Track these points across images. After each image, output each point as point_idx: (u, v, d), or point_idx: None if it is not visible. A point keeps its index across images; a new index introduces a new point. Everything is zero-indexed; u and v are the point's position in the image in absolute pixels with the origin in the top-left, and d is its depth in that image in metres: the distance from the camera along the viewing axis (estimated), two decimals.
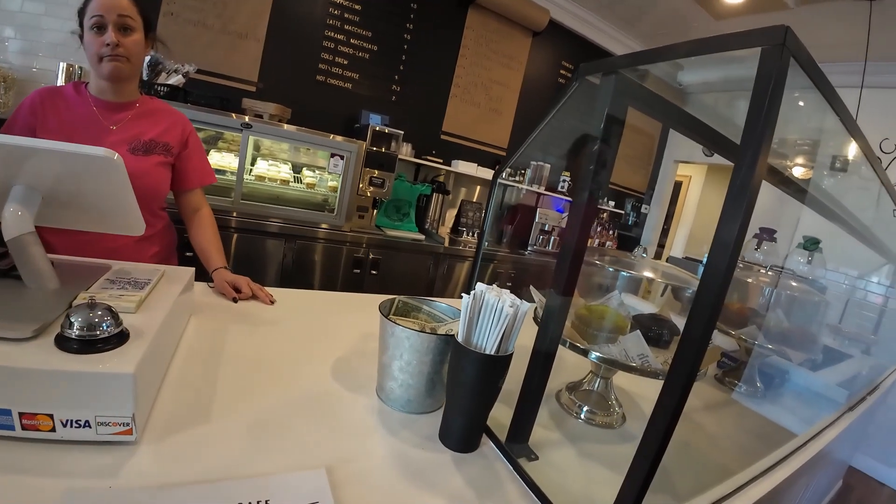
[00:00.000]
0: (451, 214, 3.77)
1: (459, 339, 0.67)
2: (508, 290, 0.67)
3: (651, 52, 0.53)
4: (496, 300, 0.63)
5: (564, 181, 4.03)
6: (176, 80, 2.35)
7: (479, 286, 0.66)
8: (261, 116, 2.51)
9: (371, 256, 2.84)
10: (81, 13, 1.10)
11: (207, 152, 2.54)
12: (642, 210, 4.73)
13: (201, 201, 1.36)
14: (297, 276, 2.63)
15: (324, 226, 2.69)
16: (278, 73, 2.94)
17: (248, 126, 2.38)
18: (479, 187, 3.87)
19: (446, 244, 3.15)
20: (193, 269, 0.99)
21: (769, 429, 1.14)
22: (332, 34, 3.06)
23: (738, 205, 0.45)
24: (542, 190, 3.84)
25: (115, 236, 1.13)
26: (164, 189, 1.27)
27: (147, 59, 2.20)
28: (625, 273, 0.88)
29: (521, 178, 3.80)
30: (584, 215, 0.61)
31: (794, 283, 1.45)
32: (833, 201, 1.33)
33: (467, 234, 3.59)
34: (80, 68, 2.35)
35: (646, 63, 0.55)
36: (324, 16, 3.01)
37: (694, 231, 5.49)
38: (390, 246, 2.91)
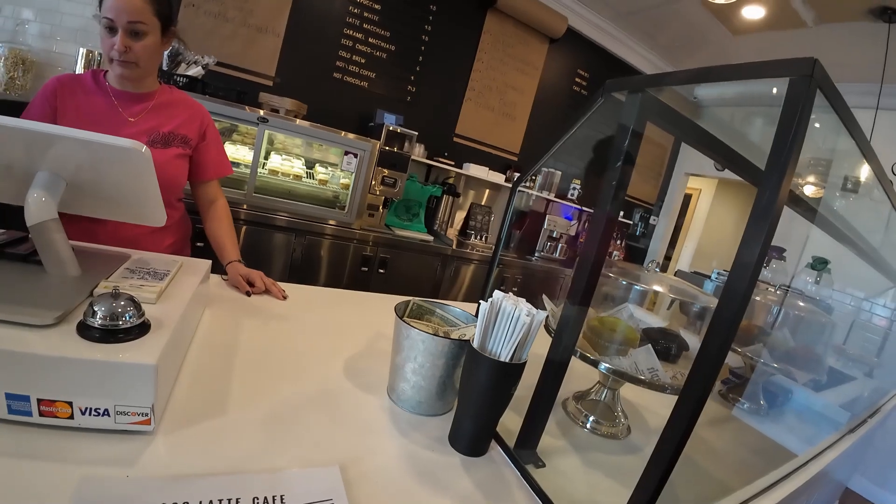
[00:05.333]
0: (459, 216, 3.78)
1: (475, 344, 0.67)
2: (524, 300, 0.68)
3: (679, 73, 0.54)
4: (513, 308, 0.64)
5: (574, 189, 4.03)
6: (195, 71, 2.37)
7: (497, 294, 0.67)
8: (277, 111, 2.53)
9: (379, 255, 2.85)
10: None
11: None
12: (650, 221, 4.72)
13: (217, 193, 1.37)
14: (304, 270, 2.65)
15: (333, 222, 2.71)
16: (296, 69, 2.96)
17: (264, 120, 2.40)
18: (488, 191, 3.88)
19: (454, 246, 3.16)
20: (210, 261, 1.00)
21: (770, 447, 1.15)
22: (351, 32, 3.08)
23: (761, 228, 0.46)
24: (552, 197, 3.84)
25: (133, 226, 1.13)
26: (181, 180, 1.28)
27: (167, 51, 2.21)
28: (638, 287, 0.89)
29: (532, 184, 3.80)
30: (604, 229, 0.62)
31: (801, 304, 1.45)
32: (843, 222, 1.32)
33: (475, 238, 3.60)
34: (100, 54, 2.33)
35: (673, 84, 0.56)
36: (343, 14, 3.03)
37: (701, 245, 5.47)
38: (398, 245, 2.93)
